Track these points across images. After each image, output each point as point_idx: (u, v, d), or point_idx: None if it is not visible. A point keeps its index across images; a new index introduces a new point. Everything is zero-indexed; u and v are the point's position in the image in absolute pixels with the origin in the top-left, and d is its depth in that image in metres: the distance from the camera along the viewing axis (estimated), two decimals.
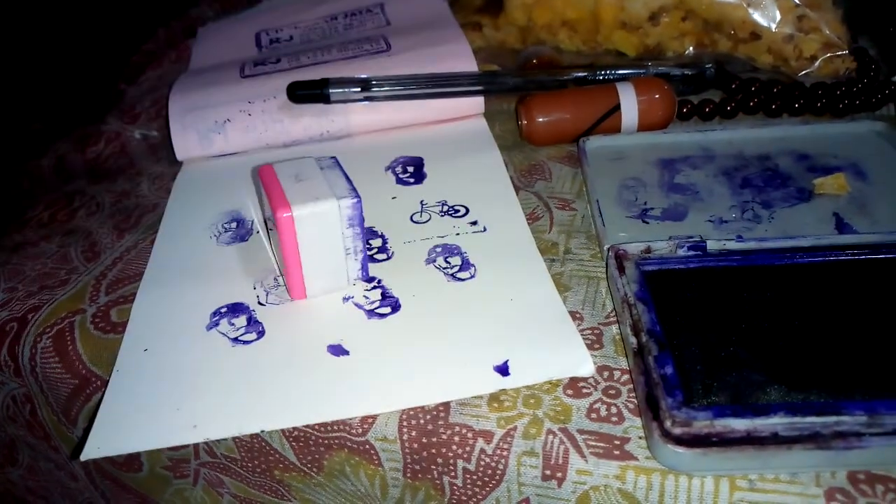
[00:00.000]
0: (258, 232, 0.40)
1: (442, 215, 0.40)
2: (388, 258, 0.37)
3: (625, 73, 0.46)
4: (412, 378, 0.30)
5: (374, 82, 0.45)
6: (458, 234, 0.38)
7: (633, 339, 0.29)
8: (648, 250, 0.33)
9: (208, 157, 0.46)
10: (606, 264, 0.34)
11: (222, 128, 0.46)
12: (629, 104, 0.43)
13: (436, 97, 0.46)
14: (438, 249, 0.37)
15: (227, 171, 0.45)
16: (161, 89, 0.51)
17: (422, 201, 0.41)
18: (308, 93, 0.45)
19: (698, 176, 0.40)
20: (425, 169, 0.43)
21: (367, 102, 0.46)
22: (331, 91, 0.45)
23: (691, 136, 0.43)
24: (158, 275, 0.37)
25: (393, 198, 0.41)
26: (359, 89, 0.45)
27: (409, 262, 0.37)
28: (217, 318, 0.34)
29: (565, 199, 0.40)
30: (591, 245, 0.37)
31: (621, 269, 0.32)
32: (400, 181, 0.43)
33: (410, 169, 0.44)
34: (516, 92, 0.47)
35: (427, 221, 0.39)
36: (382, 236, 0.39)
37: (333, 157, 0.36)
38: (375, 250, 0.38)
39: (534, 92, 0.46)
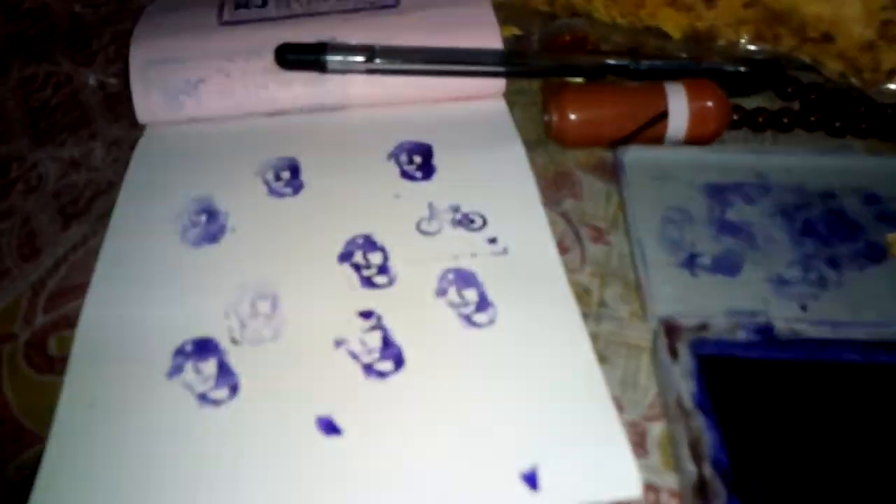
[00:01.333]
0: (233, 230, 0.33)
1: (455, 225, 0.34)
2: (390, 283, 0.31)
3: (672, 67, 0.40)
4: (419, 479, 0.25)
5: (379, 51, 0.38)
6: (473, 254, 0.32)
7: (691, 468, 0.24)
8: (704, 327, 0.28)
9: (177, 122, 0.39)
10: (654, 341, 0.28)
11: (194, 89, 0.38)
12: (679, 110, 0.37)
13: (451, 75, 0.39)
14: (451, 276, 0.31)
15: (198, 141, 0.38)
16: (123, 21, 0.42)
17: (430, 203, 0.35)
18: (301, 58, 0.37)
19: (753, 213, 0.34)
20: (434, 160, 0.37)
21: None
22: (328, 58, 0.37)
23: (744, 157, 0.37)
24: (108, 287, 0.31)
25: (396, 196, 0.35)
26: (362, 59, 0.38)
27: (415, 291, 0.31)
28: (180, 359, 0.28)
29: (599, 226, 0.34)
30: (629, 297, 0.31)
31: (674, 353, 0.27)
32: (405, 174, 0.36)
33: (417, 159, 0.37)
34: (544, 76, 0.40)
35: (437, 233, 0.33)
36: (383, 250, 0.33)
37: None
38: (375, 270, 0.32)
39: (563, 78, 0.39)
